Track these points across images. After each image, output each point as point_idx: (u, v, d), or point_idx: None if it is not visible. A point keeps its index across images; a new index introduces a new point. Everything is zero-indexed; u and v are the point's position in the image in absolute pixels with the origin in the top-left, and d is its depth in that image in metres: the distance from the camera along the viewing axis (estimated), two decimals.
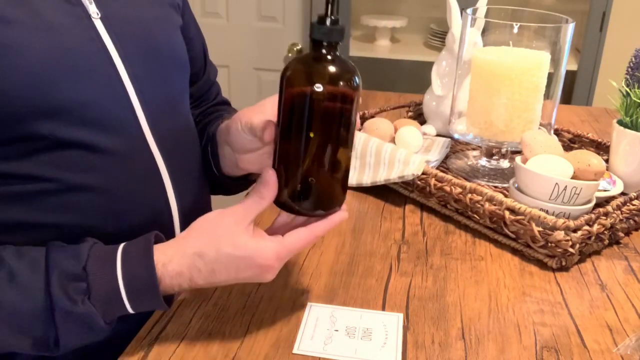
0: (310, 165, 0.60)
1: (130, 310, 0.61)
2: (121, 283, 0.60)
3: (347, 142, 0.60)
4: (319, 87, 0.57)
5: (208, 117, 0.95)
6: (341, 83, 0.58)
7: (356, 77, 0.58)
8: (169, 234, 0.69)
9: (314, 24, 0.57)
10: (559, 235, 0.76)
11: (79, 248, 0.62)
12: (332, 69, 0.58)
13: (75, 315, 0.58)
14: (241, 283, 0.73)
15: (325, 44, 0.57)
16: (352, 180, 0.99)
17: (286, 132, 0.59)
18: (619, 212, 0.83)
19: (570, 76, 2.00)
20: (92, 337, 0.61)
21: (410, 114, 1.26)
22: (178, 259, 0.61)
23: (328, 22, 0.56)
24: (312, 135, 0.58)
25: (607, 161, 0.99)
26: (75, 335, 0.60)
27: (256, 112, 0.70)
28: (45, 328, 0.59)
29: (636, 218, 0.87)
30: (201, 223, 0.63)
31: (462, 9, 1.04)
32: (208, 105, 0.99)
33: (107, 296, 0.60)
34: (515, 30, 0.94)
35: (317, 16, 0.57)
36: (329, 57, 0.58)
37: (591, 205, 0.84)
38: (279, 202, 0.62)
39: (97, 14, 0.70)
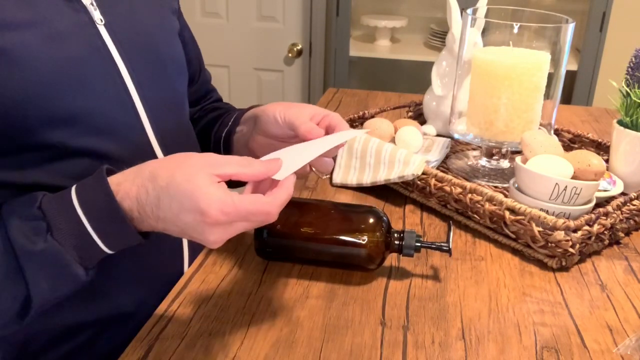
0: None
1: (100, 243, 0.58)
2: (80, 211, 0.57)
3: None
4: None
5: (209, 114, 0.96)
6: None
7: None
8: (174, 237, 0.69)
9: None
10: (559, 235, 0.76)
11: (30, 195, 0.60)
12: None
13: (38, 254, 0.56)
14: (240, 282, 0.73)
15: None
16: (352, 180, 0.99)
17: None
18: (619, 212, 0.83)
19: (570, 76, 2.00)
20: (64, 279, 0.58)
21: (410, 114, 1.26)
22: (132, 177, 0.58)
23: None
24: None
25: (607, 161, 0.99)
26: (45, 278, 0.57)
27: (303, 112, 0.74)
28: (12, 275, 0.56)
29: (636, 218, 0.87)
30: (175, 154, 0.61)
31: (462, 9, 1.04)
32: (206, 104, 1.00)
33: (70, 230, 0.57)
34: (515, 30, 0.94)
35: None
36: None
37: (591, 205, 0.84)
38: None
39: (102, 21, 0.70)
